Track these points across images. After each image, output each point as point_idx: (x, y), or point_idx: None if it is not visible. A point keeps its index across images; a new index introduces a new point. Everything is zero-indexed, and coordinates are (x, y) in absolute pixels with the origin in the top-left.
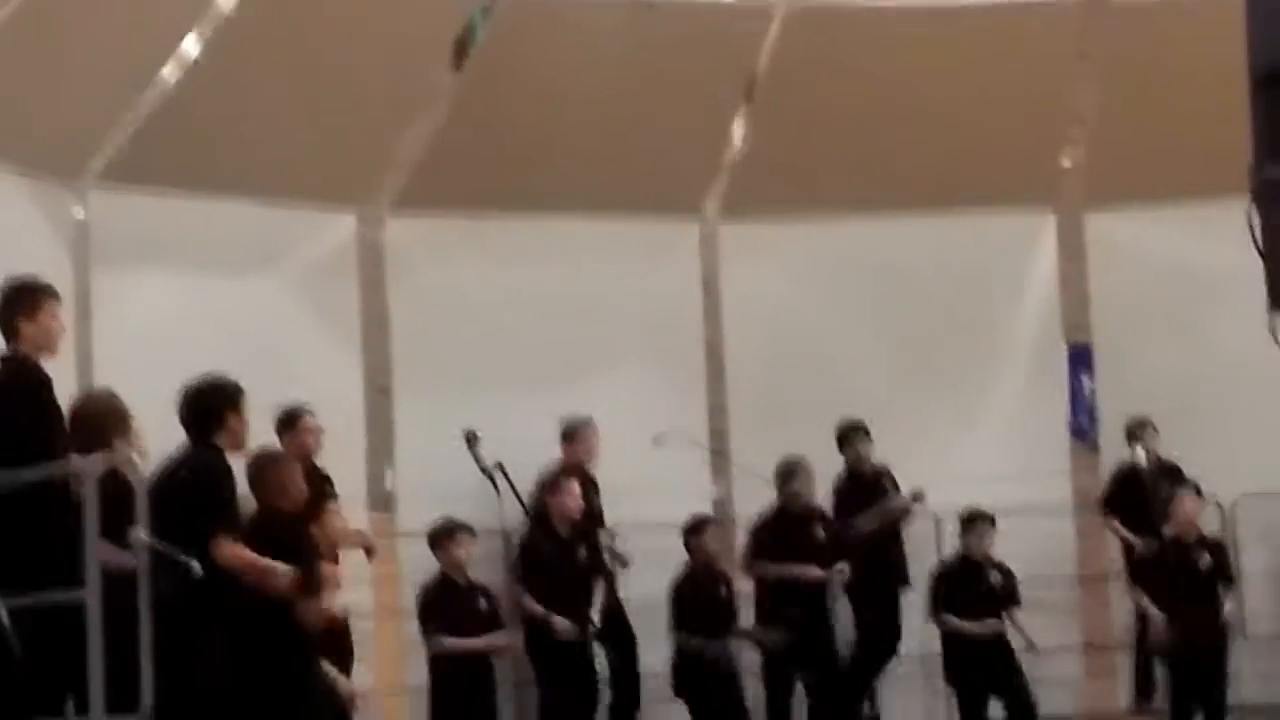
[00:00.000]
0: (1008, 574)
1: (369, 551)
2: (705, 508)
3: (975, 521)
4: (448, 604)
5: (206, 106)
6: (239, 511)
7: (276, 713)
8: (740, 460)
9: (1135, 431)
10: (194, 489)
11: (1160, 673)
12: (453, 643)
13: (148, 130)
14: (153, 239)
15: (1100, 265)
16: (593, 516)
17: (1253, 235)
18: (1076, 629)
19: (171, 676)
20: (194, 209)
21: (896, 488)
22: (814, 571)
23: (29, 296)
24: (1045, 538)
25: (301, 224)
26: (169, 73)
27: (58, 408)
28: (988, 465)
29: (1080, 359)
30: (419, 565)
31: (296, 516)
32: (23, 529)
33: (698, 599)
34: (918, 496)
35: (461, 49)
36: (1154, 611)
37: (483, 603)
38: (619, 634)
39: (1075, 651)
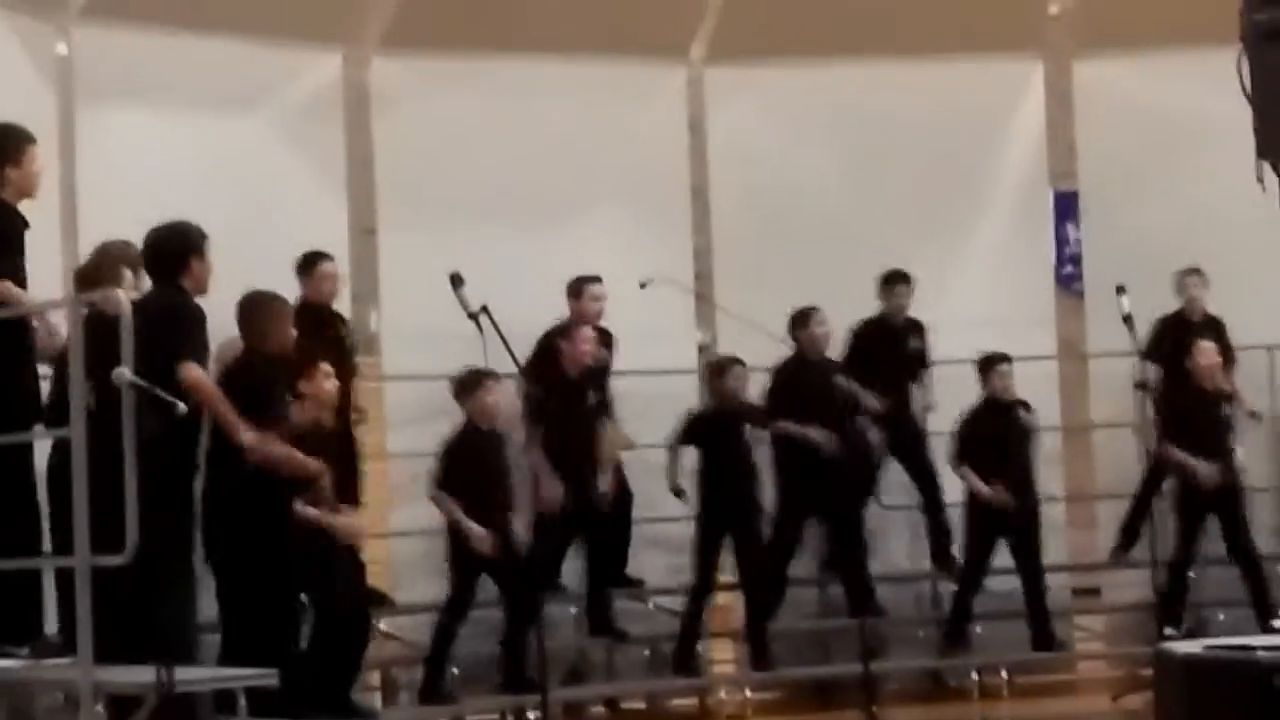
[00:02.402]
0: (1029, 410)
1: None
2: (691, 352)
3: (995, 363)
4: (467, 457)
5: None
6: (207, 347)
7: (258, 554)
8: (724, 304)
9: (1183, 279)
10: (159, 328)
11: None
12: (449, 511)
13: None
14: (136, 76)
15: (1087, 113)
16: (607, 370)
17: (1241, 81)
18: (1059, 479)
19: (156, 517)
20: (177, 46)
21: (923, 340)
22: (815, 435)
23: (14, 143)
24: (1029, 386)
25: (287, 63)
26: None
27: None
28: (972, 312)
29: (1066, 207)
30: (403, 408)
31: (279, 361)
32: None
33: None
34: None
35: None
36: (1198, 464)
37: (506, 453)
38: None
39: (1058, 501)
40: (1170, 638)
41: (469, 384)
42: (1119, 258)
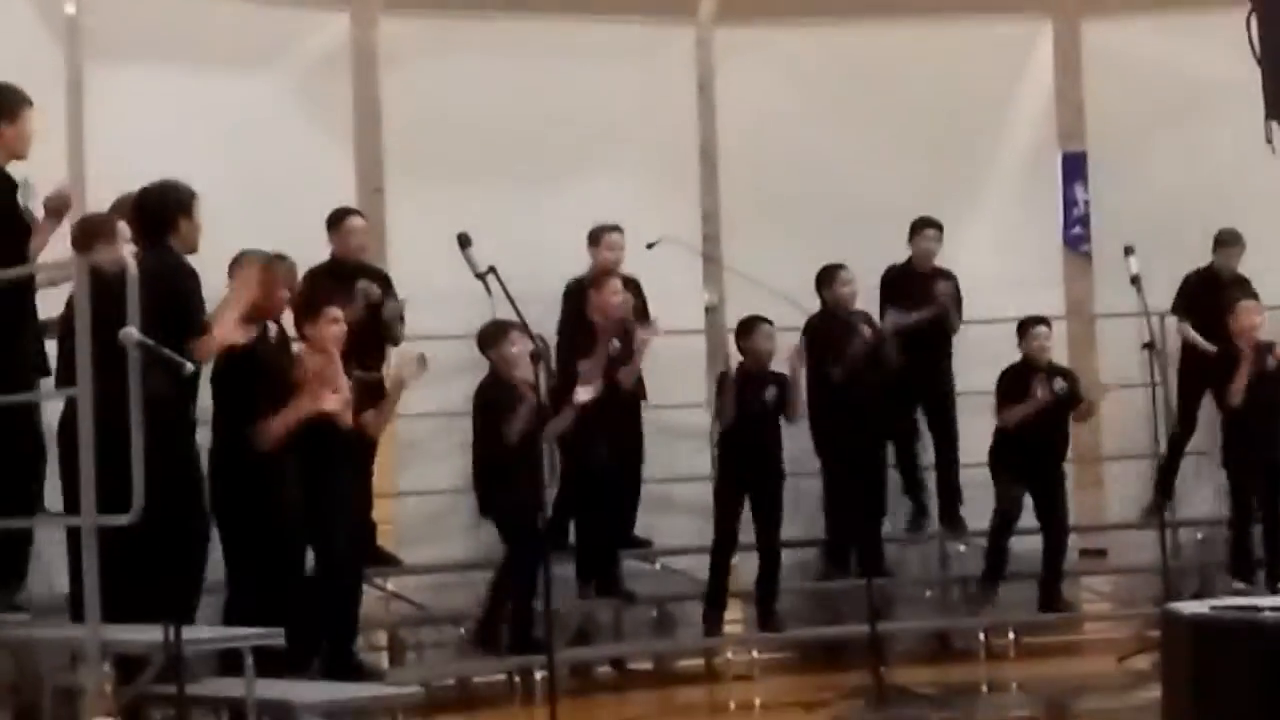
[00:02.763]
0: (1072, 379)
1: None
2: (698, 313)
3: (1031, 325)
4: (506, 401)
5: None
6: (203, 307)
7: (263, 513)
8: (732, 265)
9: (1221, 242)
10: (150, 291)
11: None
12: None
13: None
14: (144, 35)
15: (1095, 73)
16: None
17: (1251, 43)
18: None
19: (162, 476)
20: (185, 5)
21: (953, 286)
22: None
23: (11, 101)
24: None
25: (295, 22)
26: None
27: (22, 215)
28: (981, 273)
29: (1074, 168)
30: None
31: (267, 317)
32: None
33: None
34: None
35: None
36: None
37: (531, 398)
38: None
39: (1066, 463)
40: (1241, 592)
41: (494, 335)
42: (1127, 219)
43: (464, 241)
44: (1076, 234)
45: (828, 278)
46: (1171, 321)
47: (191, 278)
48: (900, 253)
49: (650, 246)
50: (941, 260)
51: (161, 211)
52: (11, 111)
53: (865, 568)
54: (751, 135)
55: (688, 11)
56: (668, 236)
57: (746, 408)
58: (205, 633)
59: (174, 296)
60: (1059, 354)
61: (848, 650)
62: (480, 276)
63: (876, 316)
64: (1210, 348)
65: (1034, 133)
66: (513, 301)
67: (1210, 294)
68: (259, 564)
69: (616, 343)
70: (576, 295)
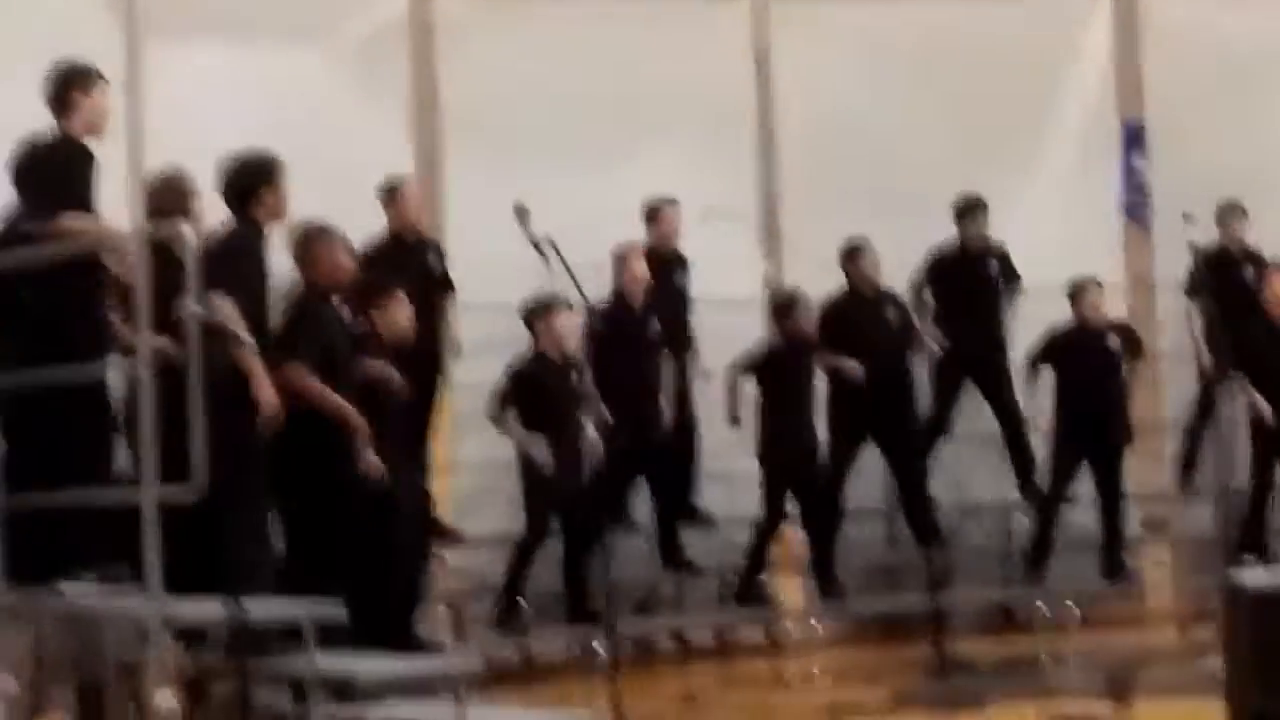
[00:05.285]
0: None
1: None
2: (756, 284)
3: (1085, 288)
4: (535, 383)
5: None
6: (262, 282)
7: (319, 491)
8: (791, 237)
9: (1225, 213)
10: (218, 264)
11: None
12: (511, 430)
13: None
14: (203, 10)
15: (1155, 43)
16: (677, 296)
17: None
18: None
19: (220, 449)
20: None
21: (1009, 266)
22: (854, 369)
23: (86, 74)
24: None
25: None
26: None
27: (84, 181)
28: (1040, 243)
29: (1134, 138)
30: (471, 340)
31: (328, 293)
32: (56, 304)
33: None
34: None
35: None
36: (1261, 403)
37: (575, 378)
38: (683, 419)
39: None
40: (1248, 564)
41: (540, 310)
42: (1187, 189)
43: (521, 213)
44: (1136, 204)
45: (851, 255)
46: None
47: (260, 253)
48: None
49: (706, 219)
50: (1003, 230)
51: (244, 183)
52: (85, 84)
53: (919, 537)
54: (808, 108)
55: None
56: (724, 207)
57: (783, 385)
58: (267, 606)
59: (227, 267)
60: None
61: (909, 622)
62: (538, 248)
63: (929, 294)
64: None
65: (1093, 103)
66: (571, 273)
67: (1227, 269)
68: (320, 537)
69: (657, 325)
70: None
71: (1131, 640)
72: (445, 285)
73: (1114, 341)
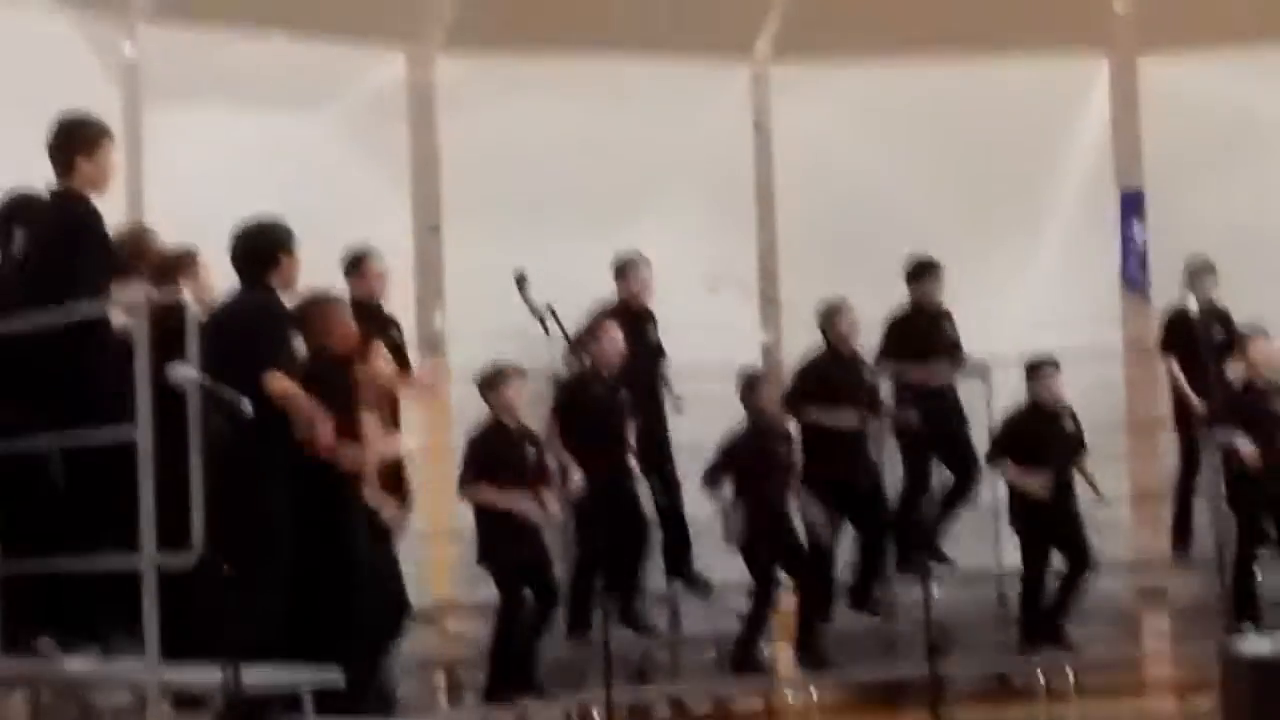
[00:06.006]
0: (1076, 420)
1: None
2: (755, 352)
3: (1041, 367)
4: (495, 451)
5: None
6: (295, 352)
7: (319, 553)
8: (790, 303)
9: (1196, 273)
10: (251, 330)
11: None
12: (487, 495)
13: None
14: (202, 76)
15: (1153, 110)
16: (648, 352)
17: None
18: (1126, 477)
19: (220, 515)
20: (242, 46)
21: (954, 331)
22: (850, 419)
23: (90, 133)
24: (1096, 385)
25: (352, 62)
26: None
27: (109, 242)
28: (1038, 311)
29: (1132, 205)
30: (469, 406)
31: (344, 359)
32: (65, 364)
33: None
34: None
35: None
36: (1247, 447)
37: (530, 450)
38: (665, 476)
39: (1124, 499)
40: (1242, 632)
41: (493, 380)
42: (1186, 257)
43: (521, 281)
44: (1135, 272)
45: (831, 314)
46: None
47: (285, 319)
48: (955, 291)
49: (710, 291)
50: (1002, 297)
51: (263, 250)
52: (90, 143)
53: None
54: (808, 172)
55: (744, 50)
56: (724, 274)
57: (758, 467)
58: (265, 673)
59: (266, 337)
60: (1117, 393)
61: (907, 690)
62: (537, 314)
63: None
64: (1187, 390)
65: (1091, 170)
66: (568, 339)
67: (1189, 329)
68: (317, 604)
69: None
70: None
71: (1131, 708)
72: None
73: (1069, 424)
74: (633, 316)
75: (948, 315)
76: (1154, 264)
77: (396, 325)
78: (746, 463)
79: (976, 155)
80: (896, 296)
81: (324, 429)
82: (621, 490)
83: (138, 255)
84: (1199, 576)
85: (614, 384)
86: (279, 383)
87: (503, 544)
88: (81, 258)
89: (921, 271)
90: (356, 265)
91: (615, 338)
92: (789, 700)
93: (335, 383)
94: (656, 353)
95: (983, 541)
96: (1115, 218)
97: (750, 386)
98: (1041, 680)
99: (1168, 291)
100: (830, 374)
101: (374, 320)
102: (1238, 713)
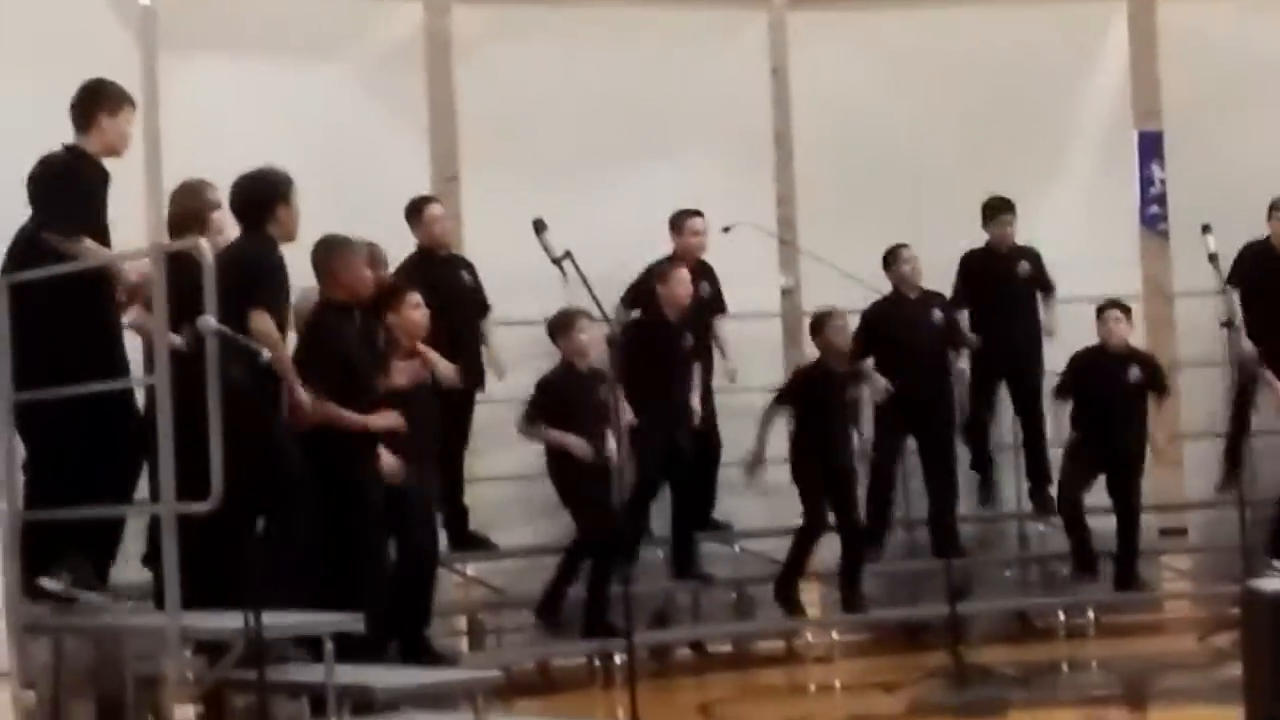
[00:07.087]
0: (1148, 365)
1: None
2: (775, 298)
3: (1106, 310)
4: (562, 393)
5: None
6: (287, 298)
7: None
8: (808, 248)
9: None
10: (239, 276)
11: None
12: (544, 434)
13: None
14: (219, 25)
15: (1171, 51)
16: (706, 304)
17: None
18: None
19: (239, 464)
20: None
21: (1038, 268)
22: (882, 388)
23: (116, 91)
24: None
25: (368, 10)
26: None
27: (83, 188)
28: (1057, 252)
29: (1151, 147)
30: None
31: (363, 306)
32: (69, 319)
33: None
34: None
35: None
36: None
37: (602, 390)
38: (705, 430)
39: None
40: (1275, 570)
41: (563, 324)
42: (1204, 198)
43: (539, 227)
44: (1153, 213)
45: (890, 258)
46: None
47: (276, 267)
48: (977, 232)
49: (726, 231)
50: (1021, 239)
51: (260, 199)
52: (113, 105)
53: (939, 549)
54: (826, 118)
55: None
56: (743, 220)
57: (818, 406)
58: (285, 619)
59: (254, 283)
60: (1137, 333)
61: (927, 630)
62: (556, 262)
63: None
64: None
65: (1110, 112)
66: (589, 286)
67: (1268, 266)
68: (337, 549)
69: (704, 286)
70: (647, 284)
71: (1150, 648)
72: (480, 303)
73: (1135, 373)
74: (692, 269)
75: (1025, 251)
76: (1172, 205)
77: (469, 267)
78: (811, 397)
79: (995, 98)
80: (914, 240)
81: (300, 395)
82: (677, 438)
83: (198, 208)
84: (1220, 516)
85: (679, 328)
86: (260, 322)
87: (581, 483)
88: (48, 203)
89: (988, 211)
90: (417, 211)
91: (684, 279)
92: (809, 642)
93: (343, 329)
94: (712, 305)
95: (1008, 479)
96: (1134, 159)
97: (819, 325)
98: (1062, 620)
99: (1187, 232)
100: (894, 317)
101: (439, 265)
102: (1259, 652)
